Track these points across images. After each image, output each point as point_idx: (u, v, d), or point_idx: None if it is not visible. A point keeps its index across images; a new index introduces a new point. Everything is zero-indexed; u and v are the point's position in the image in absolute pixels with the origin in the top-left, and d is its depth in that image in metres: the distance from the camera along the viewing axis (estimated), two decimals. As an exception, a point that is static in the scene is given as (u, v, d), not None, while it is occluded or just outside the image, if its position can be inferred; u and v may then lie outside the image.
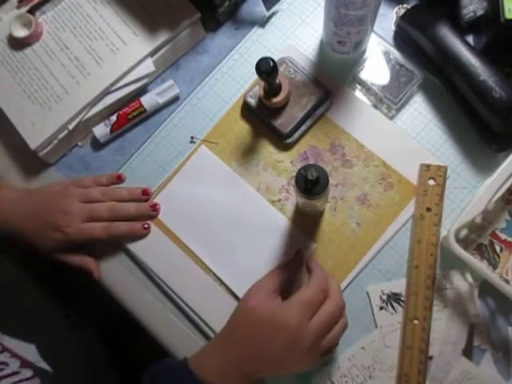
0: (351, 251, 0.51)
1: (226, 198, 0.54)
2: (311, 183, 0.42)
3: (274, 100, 0.51)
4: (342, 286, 0.51)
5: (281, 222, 0.53)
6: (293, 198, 0.53)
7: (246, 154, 0.55)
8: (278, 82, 0.50)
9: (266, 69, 0.45)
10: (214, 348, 0.45)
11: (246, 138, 0.55)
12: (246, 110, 0.56)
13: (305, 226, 0.53)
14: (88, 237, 0.51)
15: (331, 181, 0.52)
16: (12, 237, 0.51)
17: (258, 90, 0.52)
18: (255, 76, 0.51)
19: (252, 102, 0.54)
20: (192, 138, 0.56)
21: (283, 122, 0.53)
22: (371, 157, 0.53)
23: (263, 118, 0.54)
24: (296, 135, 0.54)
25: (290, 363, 0.43)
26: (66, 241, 0.50)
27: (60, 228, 0.50)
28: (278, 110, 0.53)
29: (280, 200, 0.53)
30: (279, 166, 0.54)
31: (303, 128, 0.54)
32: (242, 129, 0.56)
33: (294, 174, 0.52)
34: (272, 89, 0.50)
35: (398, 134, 0.53)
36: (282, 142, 0.54)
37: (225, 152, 0.55)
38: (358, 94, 0.55)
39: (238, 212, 0.54)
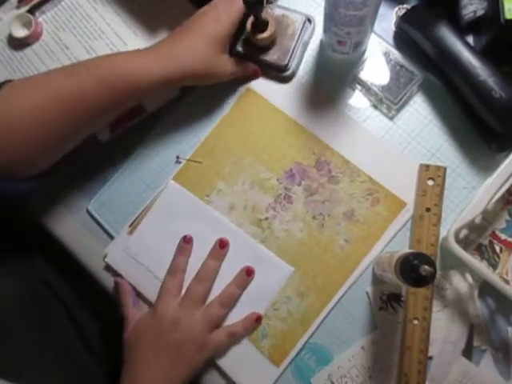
0: (340, 268, 0.51)
1: (200, 232, 0.53)
2: (419, 275, 0.38)
3: (262, 36, 0.52)
4: (331, 303, 0.50)
5: (257, 250, 0.52)
6: (280, 216, 0.52)
7: (232, 172, 0.54)
8: (264, 18, 0.51)
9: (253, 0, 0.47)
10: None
11: (232, 156, 0.54)
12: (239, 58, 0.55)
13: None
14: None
15: (317, 197, 0.52)
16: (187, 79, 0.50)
17: (246, 31, 0.53)
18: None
19: (241, 49, 0.55)
20: (178, 157, 0.55)
21: (279, 56, 0.54)
22: (357, 172, 0.52)
23: (257, 58, 0.55)
24: (293, 65, 0.55)
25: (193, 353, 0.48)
26: None
27: None
28: (269, 47, 0.54)
29: (267, 218, 0.53)
30: (266, 184, 0.53)
31: (298, 56, 0.55)
32: (229, 144, 0.55)
33: (281, 191, 0.53)
34: (259, 22, 0.51)
35: (384, 149, 0.53)
36: (281, 76, 0.55)
37: (210, 171, 0.54)
38: (358, 94, 0.55)
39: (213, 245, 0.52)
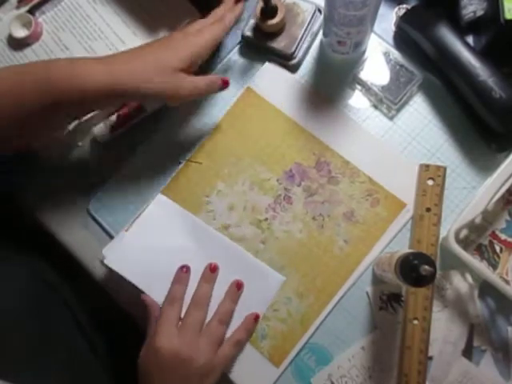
0: (339, 269, 0.51)
1: (190, 246, 0.52)
2: (419, 275, 0.38)
3: (271, 22, 0.52)
4: (331, 304, 0.50)
5: (247, 260, 0.52)
6: (279, 217, 0.52)
7: (232, 173, 0.54)
8: (273, 4, 0.51)
9: None
10: None
11: (232, 157, 0.54)
12: (246, 47, 0.57)
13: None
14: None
15: (317, 198, 0.52)
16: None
17: (254, 15, 0.53)
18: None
19: (250, 34, 0.55)
20: (180, 162, 0.55)
21: (286, 44, 0.54)
22: (357, 173, 0.52)
23: (264, 44, 0.55)
24: (299, 55, 0.55)
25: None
26: None
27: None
28: (277, 34, 0.54)
29: (267, 219, 0.53)
30: (265, 185, 0.53)
31: (305, 46, 0.55)
32: (229, 145, 0.55)
33: (281, 192, 0.52)
34: (268, 8, 0.51)
35: (384, 149, 0.53)
36: (286, 64, 0.55)
37: (210, 171, 0.54)
38: (358, 94, 0.55)
39: (205, 259, 0.52)
